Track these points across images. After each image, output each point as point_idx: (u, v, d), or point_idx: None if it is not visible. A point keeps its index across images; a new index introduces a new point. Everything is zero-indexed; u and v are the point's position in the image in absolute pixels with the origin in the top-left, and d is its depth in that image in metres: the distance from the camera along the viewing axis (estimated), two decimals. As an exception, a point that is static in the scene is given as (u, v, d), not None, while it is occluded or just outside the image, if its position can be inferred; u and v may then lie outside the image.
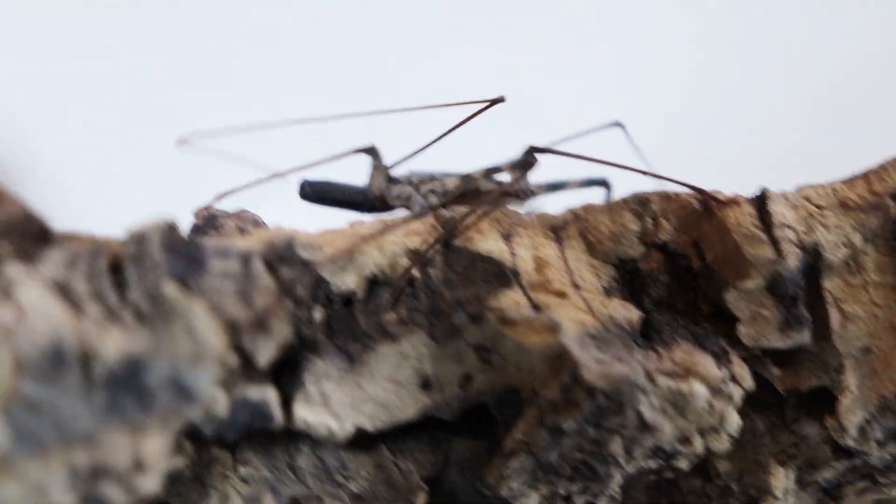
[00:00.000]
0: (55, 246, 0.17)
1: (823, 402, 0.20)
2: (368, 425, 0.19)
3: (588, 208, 0.21)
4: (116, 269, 0.17)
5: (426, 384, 0.19)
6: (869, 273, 0.20)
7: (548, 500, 0.19)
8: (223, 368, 0.17)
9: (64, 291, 0.17)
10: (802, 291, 0.20)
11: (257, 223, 0.20)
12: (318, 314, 0.19)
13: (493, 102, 0.21)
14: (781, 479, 0.20)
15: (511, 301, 0.19)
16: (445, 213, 0.21)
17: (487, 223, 0.20)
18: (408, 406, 0.19)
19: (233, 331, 0.17)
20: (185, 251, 0.17)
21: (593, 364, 0.19)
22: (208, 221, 0.20)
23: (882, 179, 0.20)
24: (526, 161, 0.22)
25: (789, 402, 0.20)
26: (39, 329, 0.16)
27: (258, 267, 0.18)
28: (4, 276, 0.16)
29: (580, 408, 0.18)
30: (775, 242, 0.20)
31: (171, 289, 0.17)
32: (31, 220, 0.17)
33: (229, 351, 0.17)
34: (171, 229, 0.17)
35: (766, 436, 0.20)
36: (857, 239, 0.20)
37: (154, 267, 0.17)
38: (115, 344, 0.16)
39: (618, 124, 0.25)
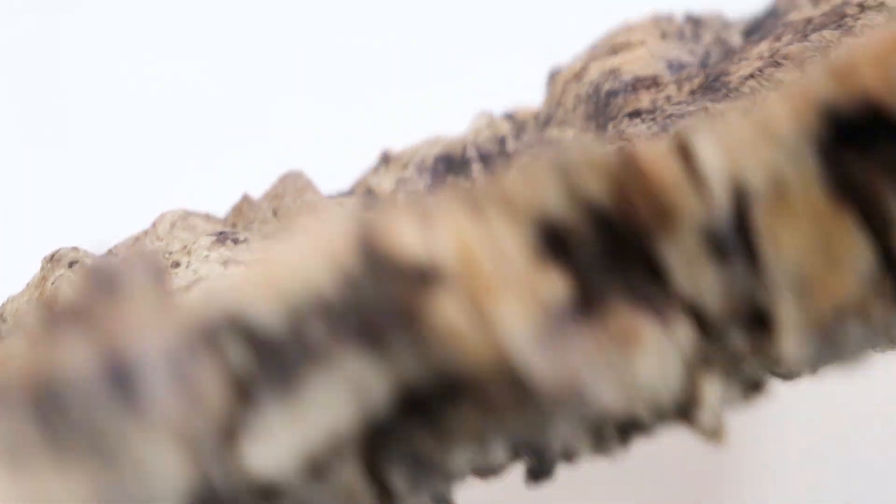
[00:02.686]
0: None
1: (761, 330, 0.20)
2: (315, 451, 0.18)
3: (501, 174, 0.20)
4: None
5: (367, 401, 0.18)
6: (797, 199, 0.19)
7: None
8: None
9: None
10: (733, 229, 0.19)
11: (162, 271, 0.17)
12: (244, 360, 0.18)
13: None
14: (710, 391, 0.20)
15: (443, 308, 0.18)
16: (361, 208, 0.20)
17: (403, 208, 0.19)
18: (349, 422, 0.18)
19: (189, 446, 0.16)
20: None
21: (543, 366, 0.18)
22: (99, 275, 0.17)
23: (799, 96, 0.20)
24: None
25: (726, 335, 0.20)
26: None
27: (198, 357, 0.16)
28: None
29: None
30: (700, 183, 0.19)
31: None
32: None
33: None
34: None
35: (701, 366, 0.20)
36: (781, 165, 0.19)
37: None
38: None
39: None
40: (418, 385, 0.18)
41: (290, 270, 0.18)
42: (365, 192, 0.29)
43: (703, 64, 0.29)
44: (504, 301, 0.18)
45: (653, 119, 0.27)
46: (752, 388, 0.21)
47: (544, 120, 0.29)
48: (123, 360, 0.15)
